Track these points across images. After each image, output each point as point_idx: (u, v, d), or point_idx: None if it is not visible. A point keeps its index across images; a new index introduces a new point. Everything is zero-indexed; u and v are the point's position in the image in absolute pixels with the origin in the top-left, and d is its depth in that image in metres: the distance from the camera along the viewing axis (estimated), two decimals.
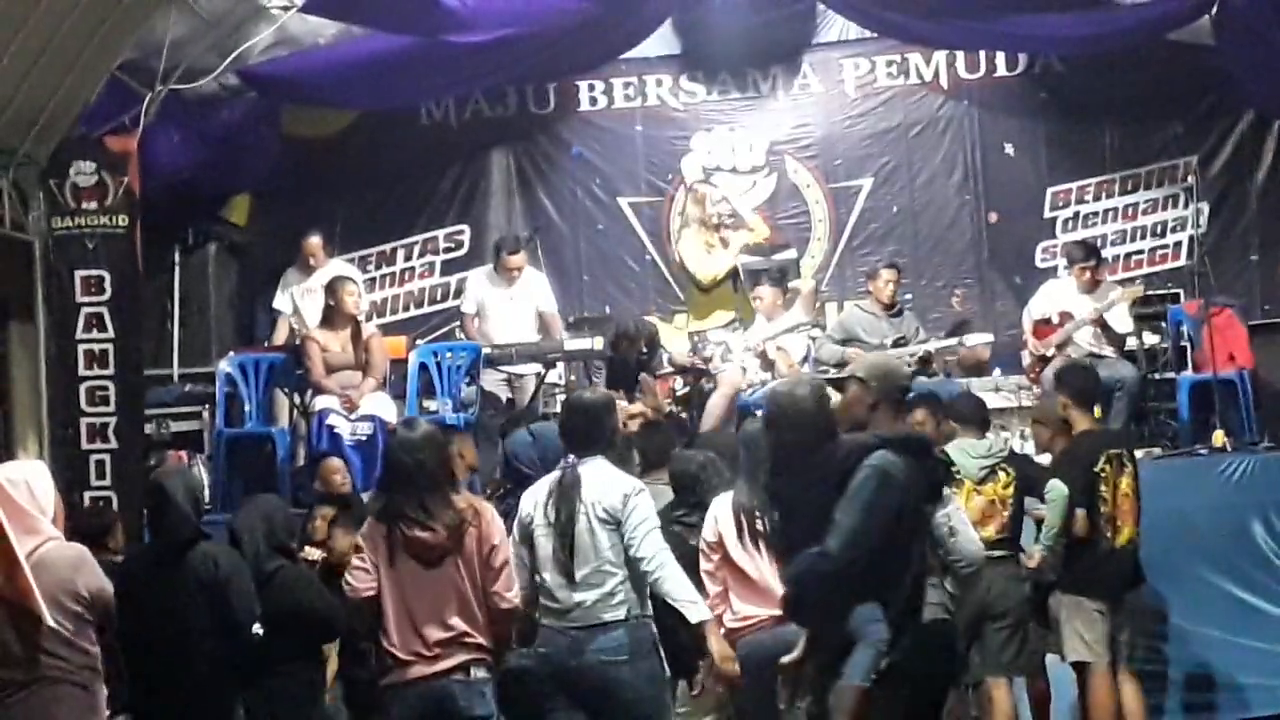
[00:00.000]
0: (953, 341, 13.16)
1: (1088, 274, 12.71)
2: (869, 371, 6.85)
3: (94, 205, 11.09)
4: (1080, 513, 8.82)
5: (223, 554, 7.27)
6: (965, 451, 9.15)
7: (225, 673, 7.17)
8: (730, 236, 13.71)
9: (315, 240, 13.60)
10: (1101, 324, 12.49)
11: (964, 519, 7.03)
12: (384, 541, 6.91)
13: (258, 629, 7.14)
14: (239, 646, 7.14)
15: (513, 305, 13.08)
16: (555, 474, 7.19)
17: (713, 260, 12.85)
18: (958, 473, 8.77)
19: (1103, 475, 8.90)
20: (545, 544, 7.08)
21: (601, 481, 7.14)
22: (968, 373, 13.11)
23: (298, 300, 13.46)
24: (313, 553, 8.57)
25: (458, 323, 14.21)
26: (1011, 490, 9.19)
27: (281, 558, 7.77)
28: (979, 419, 9.56)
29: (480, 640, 6.85)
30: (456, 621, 6.82)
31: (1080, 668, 8.99)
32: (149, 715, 7.16)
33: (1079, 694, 9.15)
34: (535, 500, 7.25)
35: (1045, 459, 9.86)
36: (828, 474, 6.32)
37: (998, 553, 9.10)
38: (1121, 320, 12.62)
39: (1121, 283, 13.36)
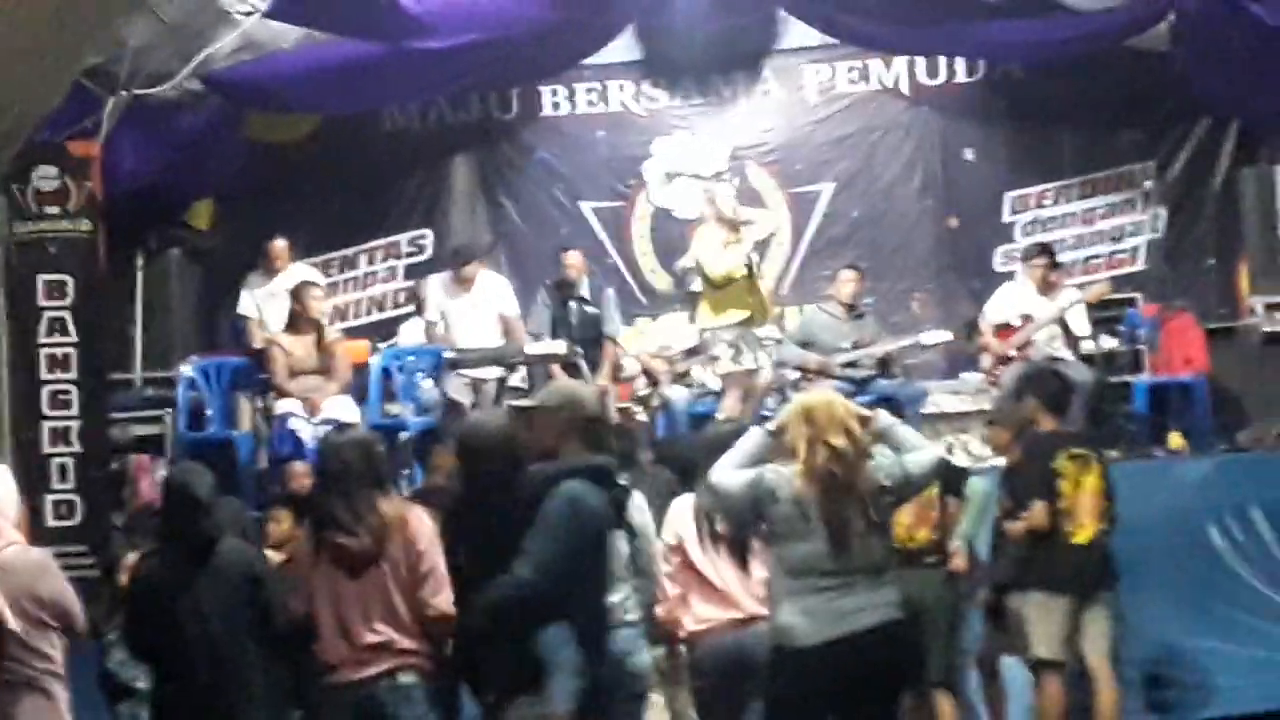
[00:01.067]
0: (910, 341, 13.20)
1: (1039, 271, 12.81)
2: (557, 400, 6.85)
3: (56, 210, 11.12)
4: (1040, 505, 8.88)
5: (251, 549, 7.29)
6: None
7: (265, 664, 7.19)
8: (745, 233, 13.47)
9: (280, 244, 13.62)
10: (1062, 325, 12.56)
11: (905, 433, 7.11)
12: (312, 547, 6.93)
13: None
14: (275, 637, 7.17)
15: (475, 311, 13.08)
16: None
17: (726, 256, 12.63)
18: None
19: (1061, 472, 8.97)
20: None
21: None
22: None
23: (260, 304, 13.46)
24: (273, 556, 8.59)
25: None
26: (936, 491, 9.26)
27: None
28: None
29: (409, 645, 6.79)
30: (383, 627, 6.75)
31: (1035, 667, 9.05)
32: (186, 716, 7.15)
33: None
34: None
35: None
36: (517, 503, 6.37)
37: (931, 558, 9.20)
38: (1079, 323, 12.69)
39: (1080, 287, 13.43)
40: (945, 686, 9.20)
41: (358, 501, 6.79)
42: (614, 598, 6.81)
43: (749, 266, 12.37)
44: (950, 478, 9.50)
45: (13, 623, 6.27)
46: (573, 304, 13.05)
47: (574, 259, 13.41)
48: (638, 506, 7.19)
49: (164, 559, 7.33)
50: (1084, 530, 8.94)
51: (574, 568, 6.24)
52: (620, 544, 6.87)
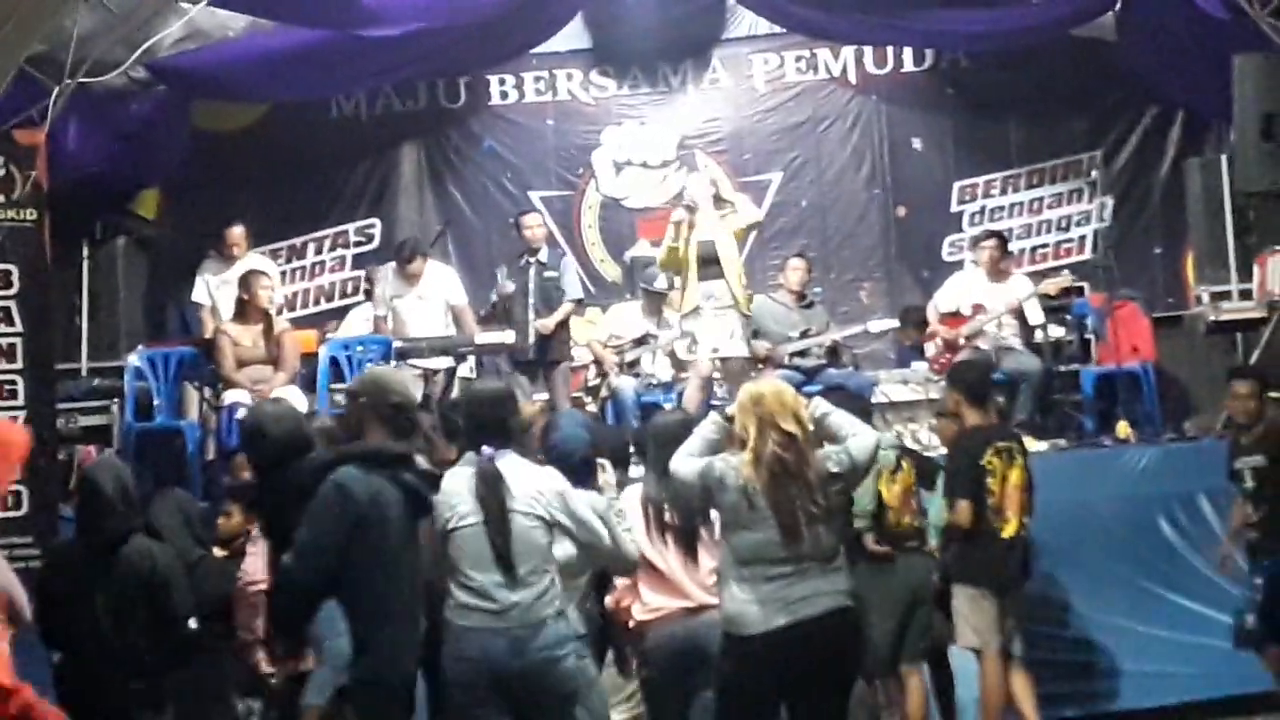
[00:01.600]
0: (858, 329, 13.24)
1: (988, 253, 12.87)
2: (360, 385, 6.85)
3: (1, 199, 11.02)
4: (965, 504, 8.94)
5: (158, 549, 7.20)
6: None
7: (161, 667, 7.12)
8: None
9: (239, 230, 13.37)
10: (1019, 314, 12.61)
11: (840, 419, 7.13)
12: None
13: (193, 623, 7.10)
14: (175, 640, 7.10)
15: (423, 304, 13.03)
16: (468, 468, 6.84)
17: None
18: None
19: (989, 468, 9.02)
20: (475, 541, 6.72)
21: (527, 478, 6.87)
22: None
23: (214, 291, 13.26)
24: (218, 552, 8.56)
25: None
26: (913, 478, 9.35)
27: (202, 548, 7.73)
28: (860, 412, 9.54)
29: None
30: None
31: (978, 655, 9.12)
32: (83, 710, 7.08)
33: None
34: (455, 494, 6.83)
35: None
36: (299, 489, 6.35)
37: (914, 542, 9.27)
38: (1034, 312, 12.73)
39: (1032, 275, 13.49)
40: (919, 663, 9.27)
41: None
42: (527, 594, 6.72)
43: (678, 250, 12.08)
44: (923, 468, 9.56)
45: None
46: (532, 270, 13.01)
47: (533, 220, 13.41)
48: (570, 497, 7.09)
49: (71, 552, 7.28)
50: (1009, 525, 9.01)
51: (342, 555, 6.16)
52: (537, 536, 6.80)
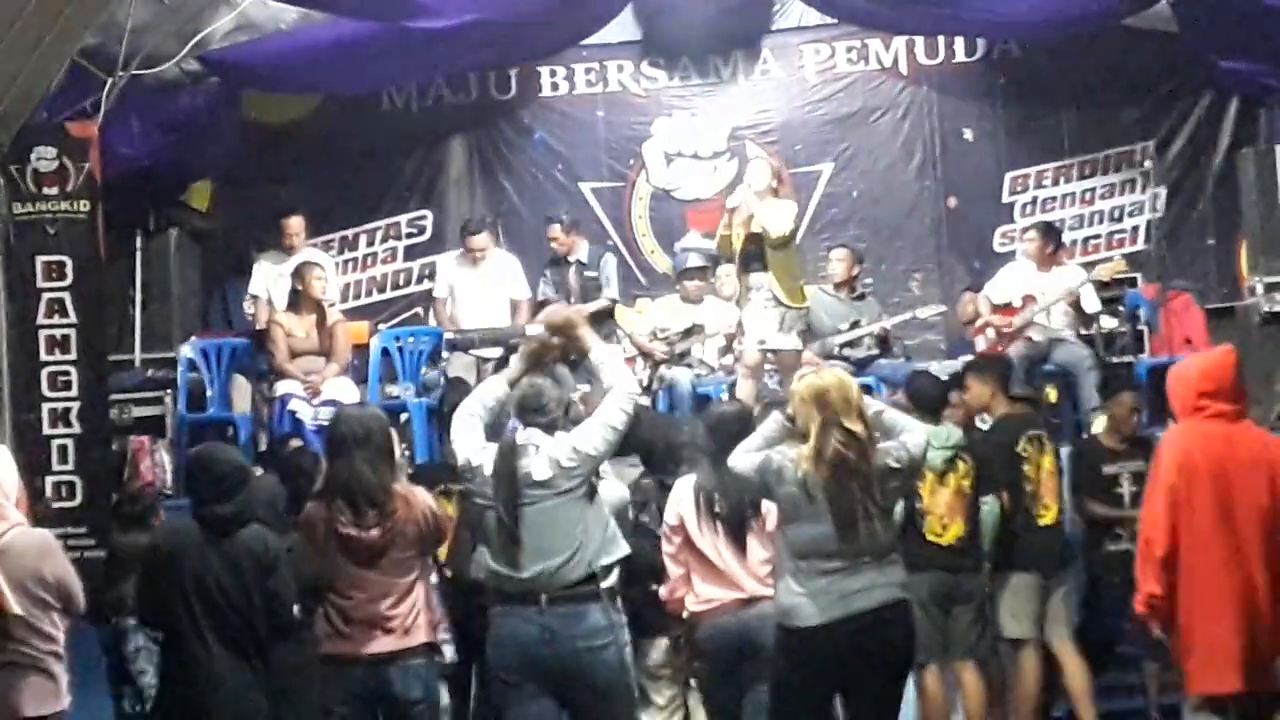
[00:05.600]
0: (907, 316, 13.24)
1: (1030, 245, 12.87)
2: None
3: (55, 191, 11.06)
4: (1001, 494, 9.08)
5: (269, 535, 7.20)
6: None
7: (266, 651, 7.11)
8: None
9: (296, 220, 13.33)
10: (1074, 303, 12.56)
11: (893, 417, 7.13)
12: (323, 525, 6.93)
13: (297, 610, 7.09)
14: (282, 624, 7.09)
15: (483, 289, 13.06)
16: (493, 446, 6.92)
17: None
18: None
19: (1025, 456, 9.10)
20: (493, 522, 6.87)
21: (549, 448, 6.90)
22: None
23: (270, 285, 13.20)
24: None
25: (420, 308, 14.33)
26: (970, 480, 9.18)
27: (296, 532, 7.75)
28: (935, 404, 9.49)
29: (418, 625, 6.91)
30: (392, 608, 6.86)
31: (1014, 645, 9.17)
32: (188, 687, 7.10)
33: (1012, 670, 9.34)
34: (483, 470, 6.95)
35: None
36: None
37: (963, 559, 9.18)
38: (1090, 300, 12.68)
39: (1084, 266, 13.43)
40: (971, 661, 9.23)
41: (370, 477, 6.81)
42: (547, 570, 6.77)
43: (729, 238, 12.06)
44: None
45: (16, 607, 6.28)
46: (571, 271, 13.03)
47: (554, 232, 13.42)
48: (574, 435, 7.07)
49: (185, 532, 7.24)
50: (1050, 511, 9.25)
51: None
52: (565, 510, 6.82)
